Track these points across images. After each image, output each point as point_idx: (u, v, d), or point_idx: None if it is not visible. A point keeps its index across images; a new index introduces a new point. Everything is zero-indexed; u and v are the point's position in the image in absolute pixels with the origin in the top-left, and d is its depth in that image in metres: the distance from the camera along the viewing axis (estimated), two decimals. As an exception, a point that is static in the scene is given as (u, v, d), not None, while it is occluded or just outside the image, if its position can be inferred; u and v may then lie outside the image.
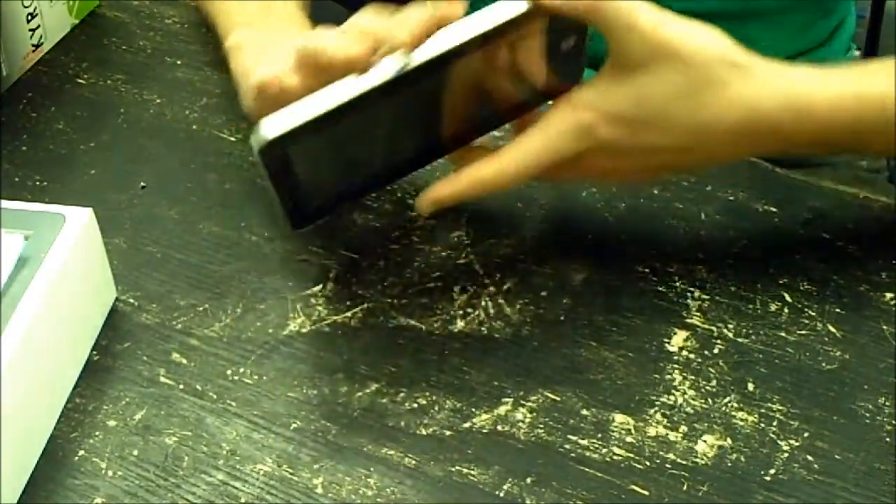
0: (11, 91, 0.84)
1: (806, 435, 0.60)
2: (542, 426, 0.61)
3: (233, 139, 0.79)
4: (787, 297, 0.67)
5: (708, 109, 0.62)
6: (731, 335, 0.65)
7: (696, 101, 0.62)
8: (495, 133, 0.67)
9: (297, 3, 0.79)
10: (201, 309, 0.68)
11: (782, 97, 0.63)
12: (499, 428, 0.61)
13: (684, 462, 0.59)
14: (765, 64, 0.63)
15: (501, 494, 0.58)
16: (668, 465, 0.59)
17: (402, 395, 0.63)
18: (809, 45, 0.90)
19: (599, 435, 0.60)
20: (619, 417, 0.61)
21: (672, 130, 0.63)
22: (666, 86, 0.61)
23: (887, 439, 0.60)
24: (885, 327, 0.65)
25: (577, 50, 0.63)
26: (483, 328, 0.66)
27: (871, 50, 1.20)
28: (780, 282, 0.68)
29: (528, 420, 0.61)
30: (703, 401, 0.62)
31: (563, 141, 0.63)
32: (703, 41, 0.62)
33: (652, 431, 0.61)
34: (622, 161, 0.65)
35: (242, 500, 0.58)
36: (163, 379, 0.64)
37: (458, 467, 0.59)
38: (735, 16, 0.85)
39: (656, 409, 0.62)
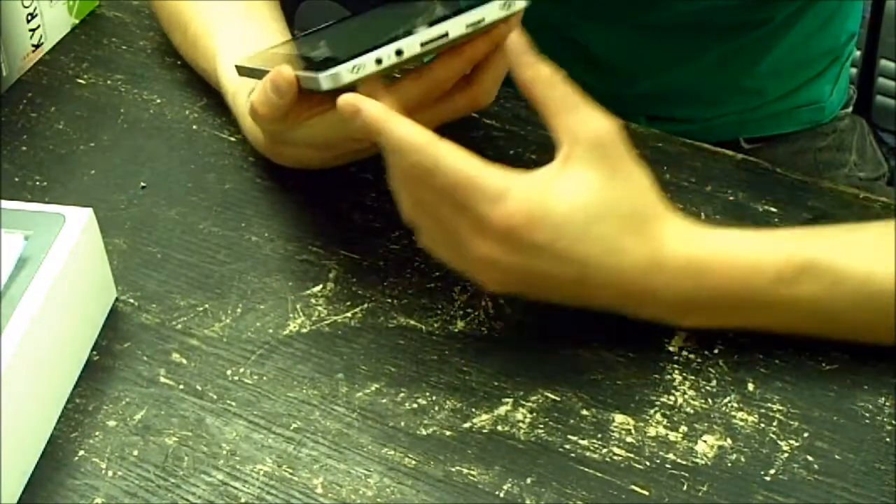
0: (11, 91, 0.84)
1: (806, 435, 0.60)
2: (542, 426, 0.61)
3: (233, 139, 0.79)
4: (787, 297, 0.67)
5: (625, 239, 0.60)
6: (731, 335, 0.65)
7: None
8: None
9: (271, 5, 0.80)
10: (201, 309, 0.68)
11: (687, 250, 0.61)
12: (499, 428, 0.61)
13: (684, 462, 0.59)
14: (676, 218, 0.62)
15: (501, 494, 0.58)
16: (668, 465, 0.59)
17: (402, 395, 0.63)
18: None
19: (599, 435, 0.60)
20: (619, 417, 0.61)
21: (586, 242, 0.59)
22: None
23: (887, 439, 0.60)
24: (885, 327, 0.65)
25: None
26: (483, 328, 0.66)
27: (871, 50, 1.20)
28: (780, 282, 0.68)
29: (528, 420, 0.61)
30: (703, 401, 0.62)
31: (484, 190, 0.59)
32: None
33: (652, 431, 0.61)
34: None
35: (242, 500, 0.58)
36: (163, 379, 0.64)
37: (458, 467, 0.59)
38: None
39: (656, 409, 0.62)
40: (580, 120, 0.59)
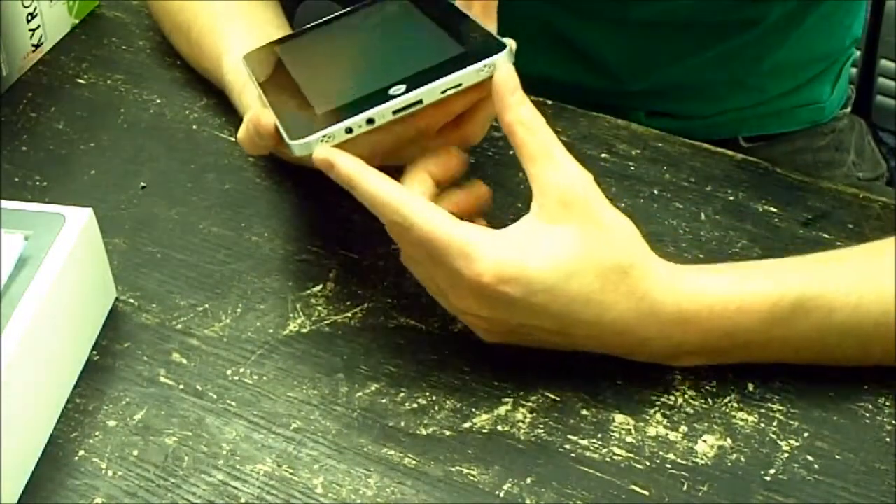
0: (11, 91, 0.84)
1: (806, 435, 0.60)
2: (542, 426, 0.61)
3: (233, 139, 0.79)
4: (787, 297, 0.67)
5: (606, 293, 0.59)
6: (731, 335, 0.65)
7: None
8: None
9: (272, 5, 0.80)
10: (201, 309, 0.68)
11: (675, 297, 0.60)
12: (499, 428, 0.61)
13: (684, 462, 0.59)
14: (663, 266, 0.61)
15: (501, 494, 0.58)
16: (668, 465, 0.59)
17: (402, 395, 0.63)
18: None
19: (599, 435, 0.60)
20: (619, 417, 0.61)
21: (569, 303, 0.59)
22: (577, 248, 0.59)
23: (887, 439, 0.60)
24: (885, 327, 0.65)
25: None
26: (483, 328, 0.66)
27: (871, 50, 1.20)
28: (780, 282, 0.68)
29: (528, 420, 0.61)
30: (703, 401, 0.62)
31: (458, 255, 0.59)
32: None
33: (652, 431, 0.61)
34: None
35: (242, 500, 0.58)
36: (163, 379, 0.64)
37: (458, 467, 0.59)
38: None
39: (656, 409, 0.62)
40: (552, 171, 0.59)
